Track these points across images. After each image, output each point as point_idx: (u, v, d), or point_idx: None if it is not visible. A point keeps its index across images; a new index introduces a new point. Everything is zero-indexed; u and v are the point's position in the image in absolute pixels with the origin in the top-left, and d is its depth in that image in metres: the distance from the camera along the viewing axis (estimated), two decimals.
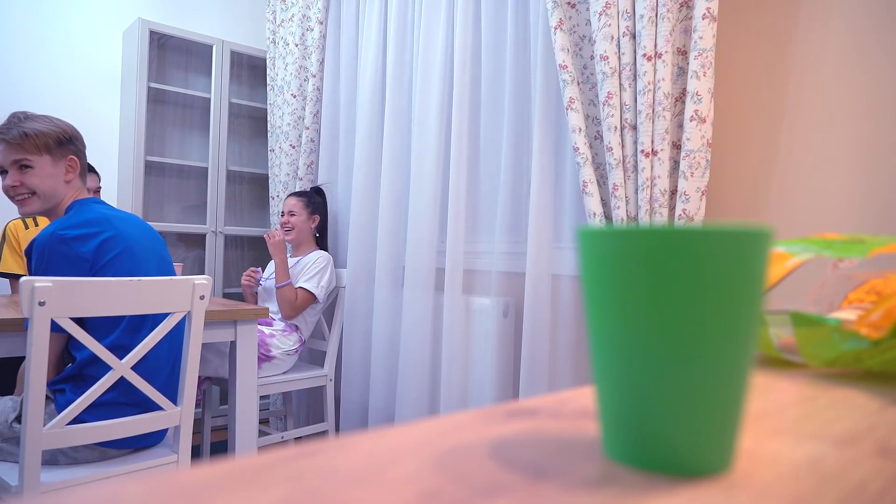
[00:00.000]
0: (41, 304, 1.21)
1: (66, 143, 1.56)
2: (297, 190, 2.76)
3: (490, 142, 2.09)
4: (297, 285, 2.41)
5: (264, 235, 2.53)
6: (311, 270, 2.45)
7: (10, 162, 1.51)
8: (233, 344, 1.84)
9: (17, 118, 1.52)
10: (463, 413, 0.33)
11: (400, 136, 2.39)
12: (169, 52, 3.13)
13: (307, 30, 2.91)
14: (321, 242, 2.65)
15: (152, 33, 2.88)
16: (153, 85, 2.89)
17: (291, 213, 2.54)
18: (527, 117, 1.99)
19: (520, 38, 1.99)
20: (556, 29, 1.68)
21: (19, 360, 1.96)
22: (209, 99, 3.06)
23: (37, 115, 1.55)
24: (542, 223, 1.83)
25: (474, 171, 2.14)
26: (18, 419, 1.41)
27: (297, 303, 2.37)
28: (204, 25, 3.27)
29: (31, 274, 1.41)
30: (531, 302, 1.82)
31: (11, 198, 1.53)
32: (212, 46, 3.02)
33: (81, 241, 1.43)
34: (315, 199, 2.61)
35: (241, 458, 0.25)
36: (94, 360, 1.40)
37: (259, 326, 2.32)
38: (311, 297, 2.40)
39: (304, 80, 2.93)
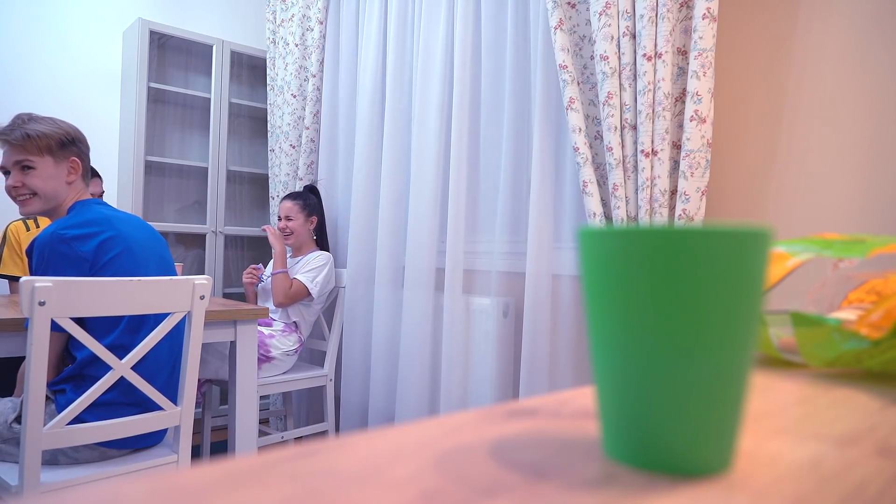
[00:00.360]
0: (41, 303, 1.21)
1: (68, 144, 1.57)
2: (294, 191, 2.75)
3: (490, 142, 2.09)
4: (293, 276, 2.42)
5: (264, 227, 2.54)
6: (308, 266, 2.45)
7: (13, 163, 1.52)
8: (232, 344, 1.84)
9: (21, 119, 1.53)
10: (463, 413, 0.33)
11: (400, 136, 2.39)
12: (169, 52, 3.13)
13: (307, 30, 2.92)
14: (321, 242, 2.65)
15: (152, 33, 2.88)
16: (153, 85, 2.89)
17: (288, 218, 2.53)
18: (527, 117, 1.99)
19: (520, 38, 1.99)
20: (556, 29, 1.68)
21: (19, 360, 1.96)
22: (209, 99, 3.06)
23: (41, 117, 1.55)
24: (542, 223, 1.84)
25: (474, 171, 2.14)
26: (18, 419, 1.41)
27: (290, 291, 2.37)
28: (204, 25, 3.27)
29: (31, 274, 1.41)
30: (531, 302, 1.82)
31: (14, 198, 1.54)
32: (212, 46, 3.02)
33: (81, 241, 1.43)
34: (311, 200, 2.60)
35: (240, 459, 0.25)
36: (95, 360, 1.40)
37: (258, 327, 2.32)
38: (305, 290, 2.40)
39: (304, 80, 2.93)
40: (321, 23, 2.82)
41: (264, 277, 2.54)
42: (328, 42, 2.84)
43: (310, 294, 2.41)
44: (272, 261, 2.50)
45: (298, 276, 2.41)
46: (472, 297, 2.08)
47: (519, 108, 1.99)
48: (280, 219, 2.55)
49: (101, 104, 2.98)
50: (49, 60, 2.83)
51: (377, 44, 2.51)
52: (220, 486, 0.22)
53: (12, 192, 1.53)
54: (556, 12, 1.69)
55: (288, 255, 2.61)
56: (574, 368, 1.81)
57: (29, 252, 1.43)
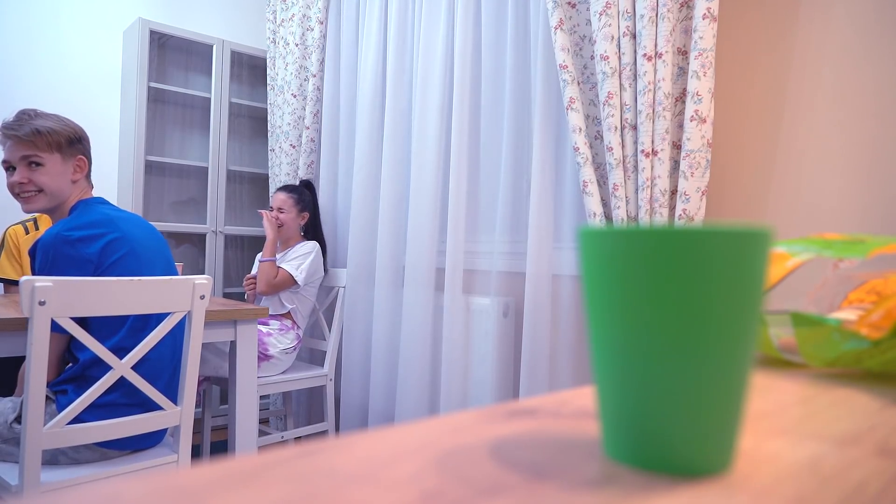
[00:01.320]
0: (41, 303, 1.21)
1: (75, 142, 1.56)
2: (289, 184, 2.74)
3: (490, 142, 2.09)
4: (286, 271, 2.42)
5: (260, 211, 2.55)
6: (294, 255, 2.46)
7: (20, 158, 1.50)
8: (233, 344, 1.84)
9: (28, 115, 1.52)
10: (463, 413, 0.33)
11: (400, 135, 2.40)
12: (169, 52, 3.13)
13: (307, 29, 2.92)
14: (309, 238, 2.64)
15: (152, 33, 2.88)
16: (153, 85, 2.89)
17: (281, 210, 2.54)
18: (527, 117, 1.99)
19: (520, 39, 1.99)
20: (556, 29, 1.68)
21: (20, 360, 1.96)
22: (209, 99, 3.06)
23: (47, 114, 1.55)
24: (542, 223, 1.84)
25: (474, 171, 2.14)
26: (18, 419, 1.41)
27: (275, 280, 2.38)
28: (204, 25, 3.27)
29: (34, 274, 1.40)
30: (531, 302, 1.82)
31: (17, 194, 1.53)
32: (212, 46, 3.02)
33: (86, 243, 1.43)
34: (305, 196, 2.61)
35: (240, 459, 0.25)
36: (98, 361, 1.40)
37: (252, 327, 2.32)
38: (290, 279, 2.40)
39: (305, 80, 2.93)
40: (321, 23, 2.82)
41: None
42: (328, 42, 2.84)
43: (295, 282, 2.41)
44: (261, 252, 2.51)
45: (283, 265, 2.42)
46: (472, 297, 2.08)
47: (519, 108, 1.99)
48: (272, 209, 2.56)
49: (101, 104, 2.98)
50: (49, 60, 2.83)
51: (377, 44, 2.51)
52: (219, 487, 0.22)
53: (16, 188, 1.51)
54: (557, 12, 1.69)
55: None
56: (574, 368, 1.81)
57: (32, 252, 1.42)
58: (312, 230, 2.67)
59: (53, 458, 1.40)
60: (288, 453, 0.26)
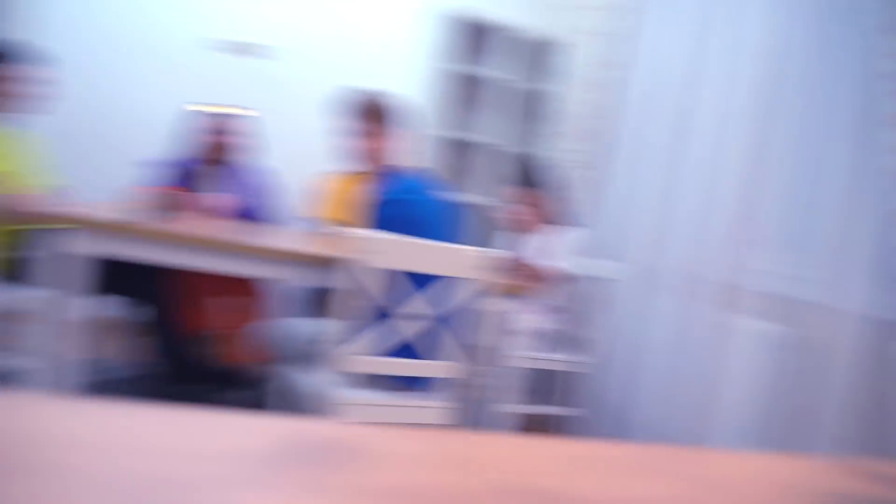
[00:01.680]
0: (362, 253, 1.44)
1: (402, 116, 1.97)
2: (517, 174, 2.65)
3: (796, 153, 1.89)
4: (548, 262, 2.37)
5: (512, 221, 2.51)
6: (562, 247, 2.41)
7: (365, 128, 1.92)
8: (493, 314, 1.93)
9: (374, 94, 1.97)
10: (811, 457, 0.31)
11: (702, 137, 2.25)
12: (471, 36, 3.32)
13: (611, 19, 2.87)
14: (564, 216, 2.55)
15: (453, 17, 3.14)
16: (452, 66, 3.15)
17: (522, 203, 2.49)
18: (834, 128, 1.74)
19: (837, 40, 1.73)
20: (883, 31, 1.42)
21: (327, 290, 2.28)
22: (506, 81, 3.23)
23: (385, 92, 1.97)
24: (847, 251, 1.64)
25: (787, 182, 1.92)
26: (318, 341, 1.68)
27: (545, 277, 2.33)
28: (505, 10, 3.36)
29: (369, 229, 1.66)
30: (840, 342, 1.61)
31: (357, 157, 1.94)
32: (513, 31, 3.18)
33: (400, 206, 1.68)
34: (533, 179, 2.53)
35: (620, 445, 0.26)
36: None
37: (520, 303, 2.35)
38: (562, 274, 2.35)
39: (605, 70, 2.90)
40: (631, 12, 2.75)
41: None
42: (632, 32, 2.76)
43: (567, 277, 2.37)
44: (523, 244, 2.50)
45: (553, 260, 2.36)
46: (765, 322, 1.89)
47: (838, 117, 1.75)
48: (514, 204, 2.52)
49: (405, 83, 3.14)
50: (353, 40, 3.18)
51: (684, 38, 2.40)
52: (608, 469, 0.23)
53: (358, 152, 1.92)
54: (886, 12, 1.42)
55: (526, 237, 2.57)
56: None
57: (368, 208, 1.72)
58: (565, 209, 2.57)
59: (349, 380, 1.65)
60: (667, 451, 0.26)
